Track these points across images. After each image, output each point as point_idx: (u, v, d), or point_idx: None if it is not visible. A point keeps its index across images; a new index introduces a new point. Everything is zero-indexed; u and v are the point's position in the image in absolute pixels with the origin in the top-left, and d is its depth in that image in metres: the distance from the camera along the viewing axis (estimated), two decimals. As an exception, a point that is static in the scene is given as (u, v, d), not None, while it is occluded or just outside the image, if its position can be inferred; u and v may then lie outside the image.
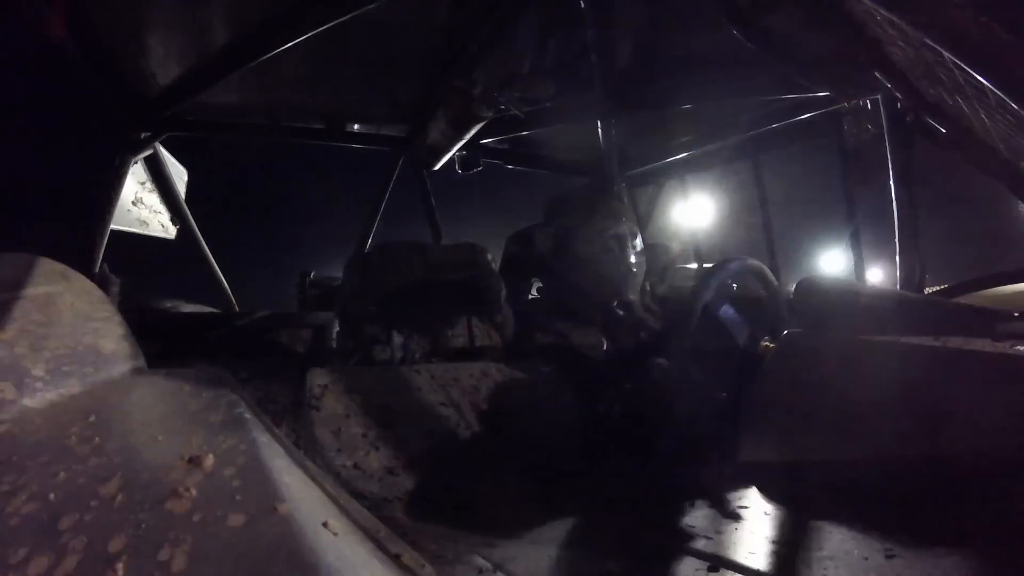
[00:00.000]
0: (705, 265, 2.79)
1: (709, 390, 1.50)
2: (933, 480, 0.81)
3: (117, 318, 0.87)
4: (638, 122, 2.77)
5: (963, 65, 0.84)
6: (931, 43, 0.86)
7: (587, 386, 1.73)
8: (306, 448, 1.22)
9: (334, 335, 1.76)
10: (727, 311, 1.59)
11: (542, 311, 2.06)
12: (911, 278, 1.74)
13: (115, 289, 2.13)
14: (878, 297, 1.29)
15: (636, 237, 2.12)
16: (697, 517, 0.92)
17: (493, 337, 1.86)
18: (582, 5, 2.03)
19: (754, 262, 1.71)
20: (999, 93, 0.85)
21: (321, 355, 1.82)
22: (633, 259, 2.08)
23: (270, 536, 0.41)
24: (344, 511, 0.59)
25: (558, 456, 1.34)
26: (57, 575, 0.36)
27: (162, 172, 2.57)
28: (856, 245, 2.07)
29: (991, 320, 1.09)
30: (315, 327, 1.97)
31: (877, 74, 1.35)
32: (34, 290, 0.76)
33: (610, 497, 1.10)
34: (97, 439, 0.56)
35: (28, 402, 0.62)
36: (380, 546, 0.56)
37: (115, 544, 0.39)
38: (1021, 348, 0.90)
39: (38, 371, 0.66)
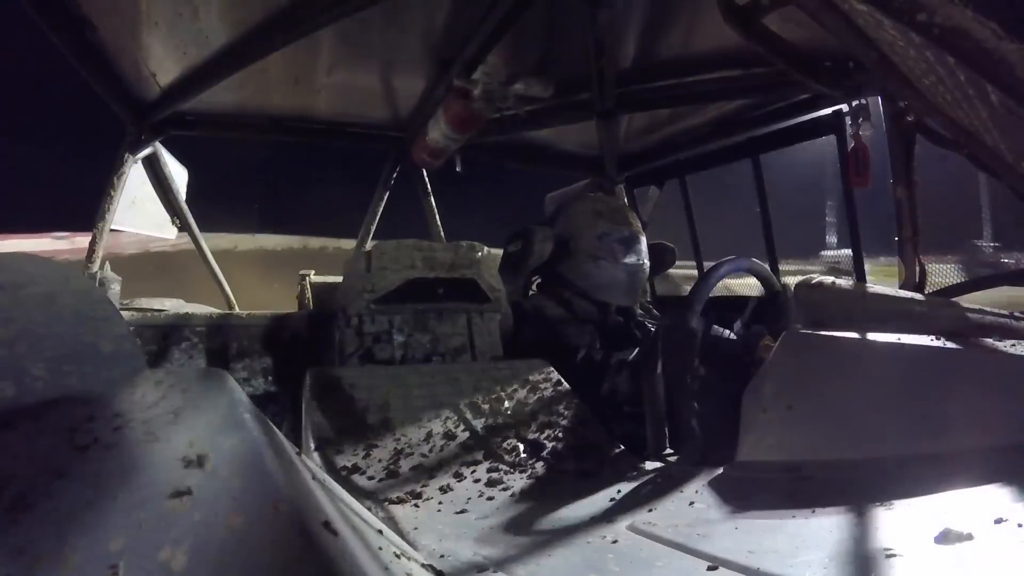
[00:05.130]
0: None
1: (709, 388, 1.50)
2: (933, 480, 0.81)
3: (117, 318, 0.87)
4: (638, 122, 2.77)
5: (964, 65, 0.84)
6: (931, 43, 0.86)
7: (586, 385, 1.73)
8: (306, 448, 1.22)
9: (334, 335, 1.76)
10: (716, 330, 1.61)
11: (541, 311, 2.07)
12: (911, 278, 1.74)
13: (116, 288, 2.13)
14: (878, 297, 1.29)
15: (640, 241, 2.12)
16: (696, 517, 0.92)
17: (493, 336, 1.86)
18: (583, 5, 2.03)
19: (753, 261, 1.72)
20: (1000, 93, 0.85)
21: (321, 355, 1.82)
22: (636, 263, 2.08)
23: (270, 536, 0.41)
24: (344, 511, 0.59)
25: (558, 455, 1.34)
26: (57, 575, 0.36)
27: (162, 172, 2.57)
28: (856, 245, 2.07)
29: (991, 320, 1.09)
30: (315, 327, 1.97)
31: (877, 74, 1.35)
32: (34, 290, 0.76)
33: (609, 496, 1.10)
34: (97, 439, 0.56)
35: (28, 402, 0.61)
36: (380, 546, 0.56)
37: (115, 544, 0.39)
38: (1021, 348, 0.90)
39: (38, 371, 0.66)
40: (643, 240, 2.15)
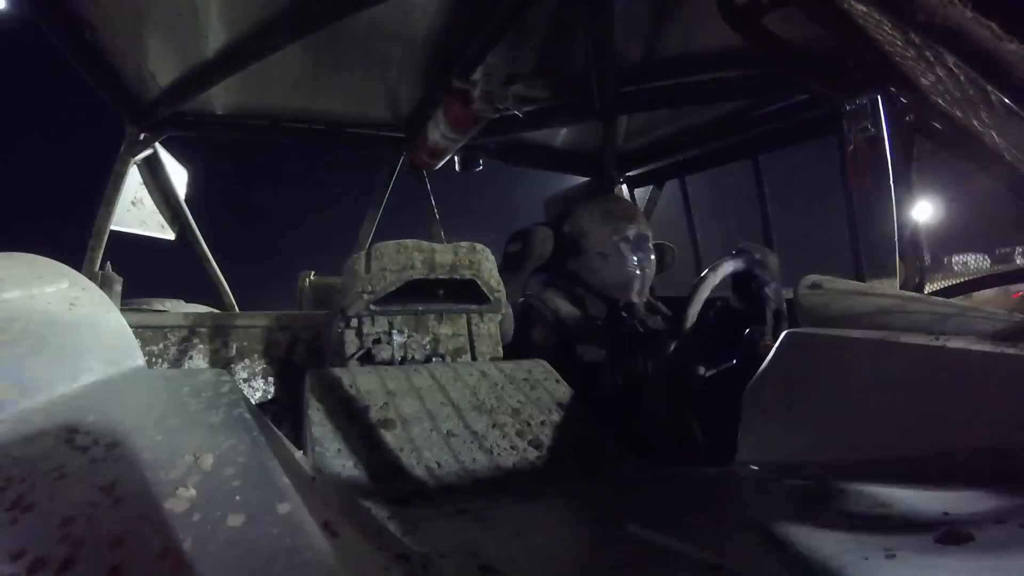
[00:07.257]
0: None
1: (710, 387, 1.51)
2: (933, 480, 0.81)
3: (117, 318, 0.87)
4: (638, 122, 2.77)
5: (964, 65, 0.84)
6: (931, 43, 0.86)
7: (587, 385, 1.73)
8: (306, 448, 1.22)
9: (334, 335, 1.76)
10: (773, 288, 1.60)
11: (542, 310, 2.07)
12: (911, 278, 1.74)
13: (117, 288, 2.13)
14: (879, 297, 1.29)
15: (647, 240, 2.18)
16: (697, 517, 0.92)
17: (493, 336, 1.86)
18: (582, 4, 2.03)
19: (749, 260, 1.72)
20: (1000, 93, 0.85)
21: (321, 355, 1.82)
22: (644, 261, 2.14)
23: (270, 536, 0.41)
24: (344, 511, 0.59)
25: (558, 455, 1.34)
26: (57, 575, 0.36)
27: (162, 172, 2.57)
28: (855, 245, 2.07)
29: (991, 320, 1.09)
30: (315, 327, 1.97)
31: (877, 74, 1.35)
32: (34, 290, 0.76)
33: (609, 496, 1.10)
34: (97, 439, 0.56)
35: (28, 402, 0.61)
36: (380, 546, 0.56)
37: (115, 544, 0.39)
38: (1021, 348, 0.90)
39: (38, 371, 0.66)
40: (650, 239, 2.20)
